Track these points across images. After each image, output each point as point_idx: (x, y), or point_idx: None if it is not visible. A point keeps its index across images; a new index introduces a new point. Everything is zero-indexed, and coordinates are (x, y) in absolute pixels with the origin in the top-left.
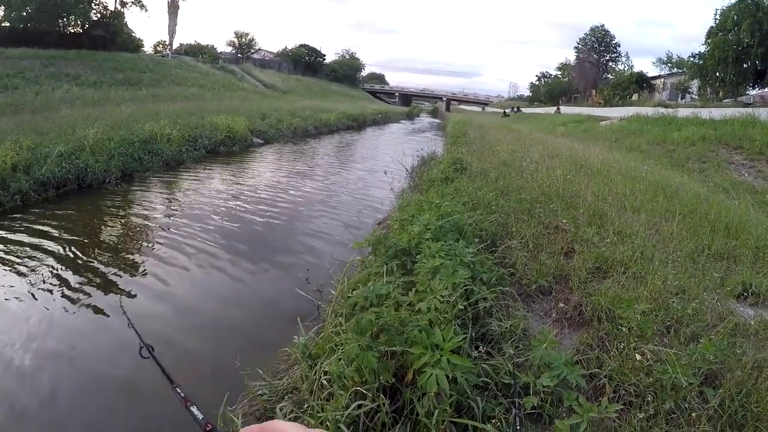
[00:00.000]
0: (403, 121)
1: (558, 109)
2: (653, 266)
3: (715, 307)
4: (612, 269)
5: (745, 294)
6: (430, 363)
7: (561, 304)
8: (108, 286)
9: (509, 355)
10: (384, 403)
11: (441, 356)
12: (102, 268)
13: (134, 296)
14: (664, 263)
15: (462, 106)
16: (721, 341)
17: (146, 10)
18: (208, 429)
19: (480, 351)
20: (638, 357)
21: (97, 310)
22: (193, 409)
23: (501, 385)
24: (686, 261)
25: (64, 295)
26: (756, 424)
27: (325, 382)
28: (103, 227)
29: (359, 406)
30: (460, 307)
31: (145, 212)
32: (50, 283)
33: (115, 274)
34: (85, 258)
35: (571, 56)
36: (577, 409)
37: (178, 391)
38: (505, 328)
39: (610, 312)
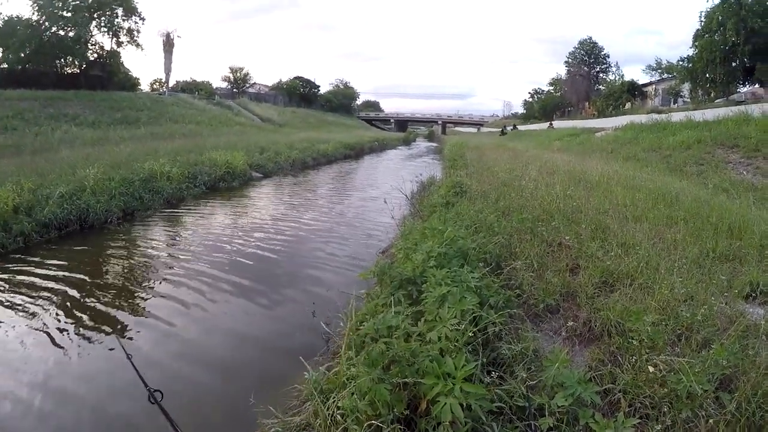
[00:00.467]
0: (400, 147)
1: (551, 124)
2: (659, 275)
3: (724, 311)
4: (618, 282)
5: (754, 294)
6: (443, 392)
7: (570, 322)
8: (113, 328)
9: (522, 378)
10: None
11: (454, 385)
12: (106, 308)
13: (140, 337)
14: (670, 271)
15: (458, 128)
16: (732, 345)
17: (142, 49)
18: None
19: (492, 376)
20: (651, 369)
21: (102, 353)
22: None
23: (515, 408)
24: (692, 267)
25: (67, 338)
26: None
27: (339, 417)
28: (106, 267)
29: None
30: (470, 334)
31: (148, 251)
32: (53, 325)
33: (119, 314)
34: (89, 299)
35: (561, 71)
36: (593, 427)
37: None
38: (516, 350)
39: (619, 325)
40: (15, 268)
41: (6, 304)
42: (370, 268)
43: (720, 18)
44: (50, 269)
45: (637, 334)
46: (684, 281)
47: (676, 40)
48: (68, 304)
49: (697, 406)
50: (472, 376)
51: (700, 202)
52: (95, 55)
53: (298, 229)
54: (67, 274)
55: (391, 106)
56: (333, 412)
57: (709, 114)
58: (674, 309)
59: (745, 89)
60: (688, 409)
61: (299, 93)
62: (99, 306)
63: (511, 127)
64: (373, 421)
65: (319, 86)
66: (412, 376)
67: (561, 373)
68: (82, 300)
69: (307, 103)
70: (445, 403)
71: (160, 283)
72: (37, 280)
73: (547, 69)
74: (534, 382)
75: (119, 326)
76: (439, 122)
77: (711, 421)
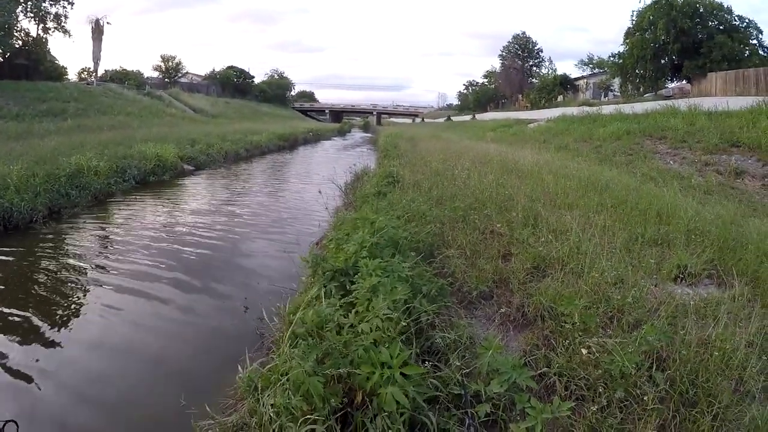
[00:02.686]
0: (335, 138)
1: (474, 116)
2: (590, 260)
3: (654, 292)
4: (550, 267)
5: (682, 276)
6: (381, 381)
7: (503, 308)
8: (36, 336)
9: (457, 366)
10: (335, 429)
11: (392, 373)
12: (28, 316)
13: (69, 341)
14: (600, 256)
15: (393, 119)
16: (663, 324)
17: (70, 36)
18: None
19: (427, 365)
20: (584, 351)
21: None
22: None
23: (452, 396)
24: (622, 251)
25: None
26: (708, 399)
27: (273, 414)
28: (30, 271)
29: None
30: (403, 323)
31: (74, 252)
32: None
33: (42, 322)
34: (14, 305)
35: (495, 64)
36: (530, 411)
37: None
38: (450, 339)
39: (552, 310)
40: None
41: None
42: (303, 258)
43: (651, 17)
44: None
45: (569, 317)
46: (614, 265)
47: (604, 38)
48: None
49: (631, 385)
50: (405, 364)
51: (629, 189)
52: (20, 42)
53: (230, 223)
54: None
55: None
56: (268, 409)
57: (638, 107)
58: (605, 292)
59: (673, 85)
60: (623, 389)
61: (233, 83)
62: (19, 314)
63: (446, 118)
64: (308, 416)
65: (253, 76)
66: (346, 367)
67: (496, 359)
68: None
69: (241, 93)
70: (387, 393)
71: (87, 287)
72: None
73: (480, 62)
74: (469, 369)
75: (39, 338)
76: (375, 113)
77: (645, 398)
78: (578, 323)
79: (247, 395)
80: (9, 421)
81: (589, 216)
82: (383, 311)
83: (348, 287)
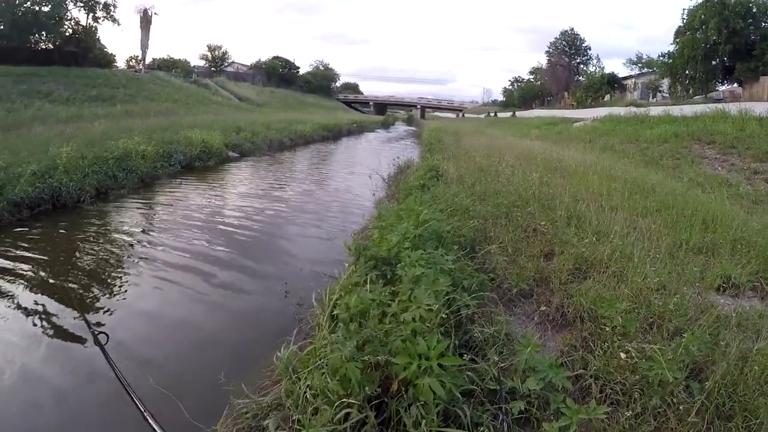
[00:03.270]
0: (378, 130)
1: (514, 113)
2: (633, 264)
3: (696, 301)
4: (592, 269)
5: (725, 286)
6: (418, 371)
7: (543, 307)
8: (86, 307)
9: (494, 361)
10: (370, 416)
11: (429, 363)
12: (79, 288)
13: (113, 316)
14: (643, 260)
15: (437, 113)
16: (703, 334)
17: (119, 25)
18: None
19: (464, 358)
20: (623, 355)
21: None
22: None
23: (487, 391)
24: (665, 257)
25: (40, 317)
26: (744, 413)
27: (310, 396)
28: (78, 247)
29: (345, 419)
30: (443, 315)
31: (121, 230)
32: (26, 305)
33: (92, 294)
34: (62, 279)
35: (540, 61)
36: (564, 411)
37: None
38: (488, 334)
39: (592, 312)
40: None
41: None
42: (347, 246)
43: (702, 16)
44: (21, 250)
45: (609, 320)
46: (657, 271)
47: (652, 36)
48: (40, 284)
49: (668, 393)
50: (443, 356)
51: (675, 194)
52: (70, 31)
53: (274, 208)
54: (38, 254)
55: (370, 89)
56: (305, 391)
57: (687, 110)
58: (646, 297)
59: (724, 88)
60: (659, 397)
61: (278, 73)
62: (72, 285)
63: (493, 114)
64: (344, 401)
65: (298, 67)
66: (385, 355)
67: (533, 357)
68: (54, 281)
69: (286, 83)
70: (424, 383)
71: (133, 262)
72: (8, 261)
73: (525, 58)
74: (506, 365)
75: (91, 305)
76: (419, 106)
77: (681, 408)
78: (618, 327)
79: (284, 376)
80: (101, 332)
81: (633, 219)
82: (425, 302)
83: (389, 277)
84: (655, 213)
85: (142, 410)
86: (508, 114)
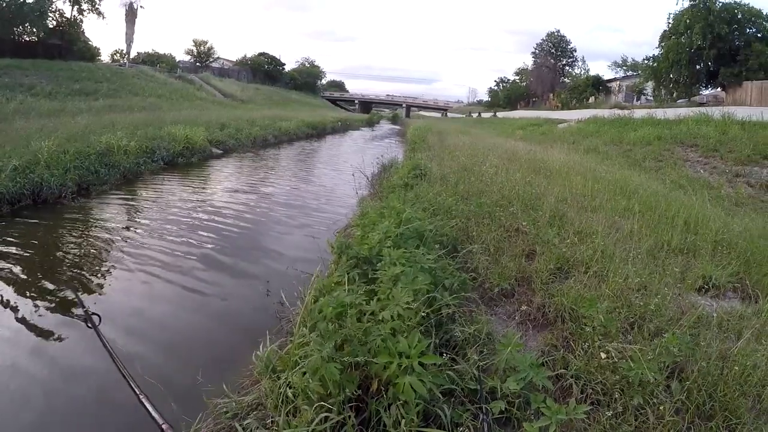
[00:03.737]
0: (363, 129)
1: (495, 113)
2: (614, 264)
3: (677, 302)
4: (573, 269)
5: (706, 287)
6: (398, 371)
7: (524, 306)
8: (64, 305)
9: (474, 361)
10: (350, 416)
11: (410, 363)
12: (58, 286)
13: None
14: (624, 261)
15: (422, 113)
16: (684, 334)
17: (104, 17)
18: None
19: (444, 357)
20: (603, 355)
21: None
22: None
23: (467, 391)
24: (647, 257)
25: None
26: (724, 413)
27: (290, 396)
28: (59, 244)
29: (325, 420)
30: (423, 314)
31: (103, 227)
32: (4, 302)
33: (70, 291)
34: (41, 276)
35: (527, 61)
36: (545, 411)
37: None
38: (469, 333)
39: (573, 312)
40: None
41: None
42: (330, 244)
43: (688, 21)
44: (2, 246)
45: (590, 320)
46: (638, 271)
47: (638, 40)
48: (19, 281)
49: (649, 393)
50: (423, 355)
51: (658, 196)
52: (54, 23)
53: (257, 206)
54: (18, 250)
55: (356, 87)
56: (284, 391)
57: (670, 113)
58: (627, 297)
59: (708, 92)
60: (640, 396)
61: (264, 70)
62: (50, 283)
63: (476, 114)
64: (323, 402)
65: (284, 64)
66: (364, 355)
67: (513, 356)
68: (33, 277)
69: (272, 80)
70: (405, 382)
71: (116, 258)
72: None
73: (512, 59)
74: (486, 365)
75: (70, 304)
76: (404, 105)
77: (661, 408)
78: (599, 327)
79: (263, 376)
80: (93, 313)
81: (615, 220)
82: (404, 300)
83: (370, 276)
84: (638, 214)
85: (138, 393)
86: (489, 114)
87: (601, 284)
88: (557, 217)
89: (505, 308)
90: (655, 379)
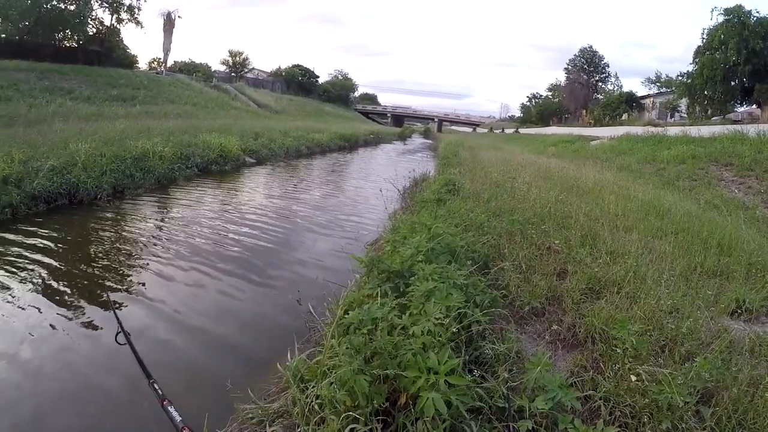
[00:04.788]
0: (395, 142)
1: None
2: (646, 285)
3: (709, 325)
4: (605, 289)
5: (739, 311)
6: (426, 386)
7: (554, 326)
8: (96, 302)
9: (503, 379)
10: (377, 428)
11: (437, 379)
12: (91, 283)
13: (121, 311)
14: (657, 282)
15: (454, 127)
16: (715, 359)
17: (142, 27)
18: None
19: (474, 374)
20: (633, 378)
21: (86, 324)
22: (171, 409)
23: (495, 408)
24: (679, 279)
25: (51, 309)
26: None
27: (317, 406)
28: (93, 243)
29: (352, 430)
30: (454, 330)
31: (136, 229)
32: (39, 297)
33: (103, 289)
34: (74, 273)
35: (557, 78)
36: None
37: (156, 387)
38: (499, 351)
39: (603, 333)
40: (1, 239)
41: None
42: (361, 257)
43: (722, 36)
44: (37, 241)
45: (621, 342)
46: (670, 293)
47: (671, 56)
48: (53, 277)
49: (678, 418)
50: (453, 372)
51: (691, 216)
52: (94, 30)
53: (289, 216)
54: (53, 247)
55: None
56: (312, 400)
57: (705, 130)
58: (659, 320)
59: (743, 109)
60: (668, 421)
61: (297, 81)
62: (84, 281)
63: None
64: (351, 413)
65: (318, 76)
66: (394, 369)
67: (543, 376)
68: (67, 274)
69: (305, 91)
70: (429, 398)
71: (146, 262)
72: (23, 251)
73: (542, 75)
74: (515, 383)
75: (102, 302)
76: (436, 120)
77: None
78: (629, 349)
79: (291, 384)
80: (122, 332)
81: (648, 240)
82: (436, 316)
83: (402, 289)
84: (671, 235)
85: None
86: (531, 130)
87: (633, 305)
88: (589, 237)
89: (535, 327)
90: (685, 404)
